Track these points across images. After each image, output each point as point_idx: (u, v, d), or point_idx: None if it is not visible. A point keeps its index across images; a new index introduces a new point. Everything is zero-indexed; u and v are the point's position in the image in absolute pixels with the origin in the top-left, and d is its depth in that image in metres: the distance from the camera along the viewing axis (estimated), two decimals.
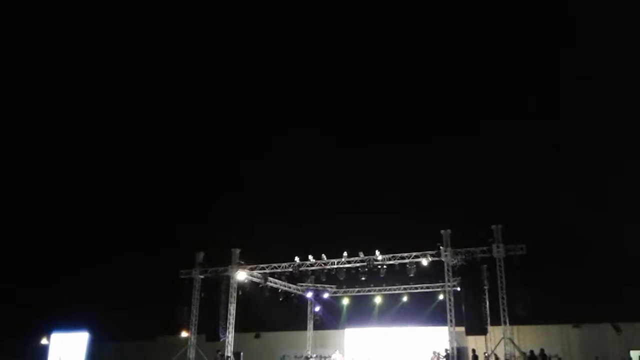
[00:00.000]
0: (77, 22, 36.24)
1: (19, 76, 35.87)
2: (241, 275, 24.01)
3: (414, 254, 21.82)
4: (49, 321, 31.30)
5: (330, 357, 26.90)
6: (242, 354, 25.04)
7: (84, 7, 34.93)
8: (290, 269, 23.55)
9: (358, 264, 22.62)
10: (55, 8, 34.03)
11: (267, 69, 38.65)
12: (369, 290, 28.61)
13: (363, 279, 23.31)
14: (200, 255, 24.91)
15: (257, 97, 38.64)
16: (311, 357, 26.99)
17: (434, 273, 22.65)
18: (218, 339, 23.66)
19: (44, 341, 31.47)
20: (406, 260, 21.93)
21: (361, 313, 29.85)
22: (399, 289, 27.63)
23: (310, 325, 29.37)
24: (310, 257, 23.15)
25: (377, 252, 22.21)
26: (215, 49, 39.07)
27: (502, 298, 20.11)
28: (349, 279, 23.83)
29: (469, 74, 35.25)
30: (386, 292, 28.28)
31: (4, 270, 34.33)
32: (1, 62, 34.14)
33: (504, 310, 20.11)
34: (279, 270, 23.98)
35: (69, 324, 29.56)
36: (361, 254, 22.47)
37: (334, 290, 29.25)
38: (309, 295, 29.02)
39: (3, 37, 33.52)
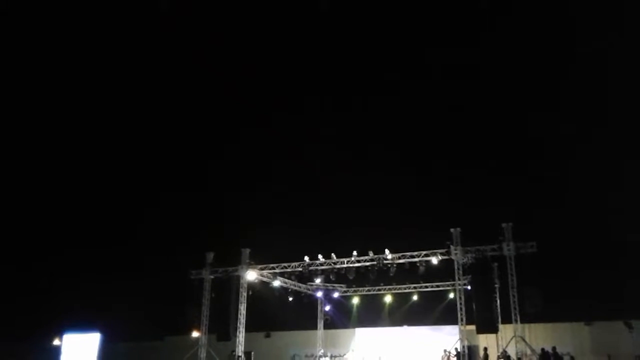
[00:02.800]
0: (91, 22, 36.45)
1: (22, 76, 36.11)
2: (251, 275, 24.08)
3: (424, 252, 21.79)
4: (61, 322, 31.54)
5: (343, 356, 26.93)
6: (252, 353, 25.12)
7: (93, 7, 35.10)
8: (300, 269, 23.59)
9: (368, 263, 22.61)
10: (56, 8, 34.19)
11: (282, 78, 38.76)
12: (379, 290, 28.59)
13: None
14: (210, 256, 25.00)
15: (272, 104, 38.81)
16: (323, 356, 26.98)
17: (444, 272, 22.58)
18: (229, 338, 23.71)
19: (56, 342, 31.76)
20: (416, 259, 21.92)
21: (371, 312, 29.88)
22: (409, 288, 27.58)
23: (320, 324, 29.42)
24: (319, 256, 23.18)
25: (387, 251, 22.21)
26: (235, 56, 39.29)
27: (513, 296, 20.03)
28: (358, 278, 23.84)
29: (477, 70, 35.16)
30: (396, 291, 28.25)
31: (16, 272, 34.62)
32: (1, 62, 34.35)
33: (514, 308, 20.01)
34: (288, 269, 24.04)
35: (81, 325, 29.75)
36: (371, 253, 22.46)
37: (344, 289, 29.27)
38: (319, 294, 29.07)
39: (3, 37, 33.72)
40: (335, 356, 27.29)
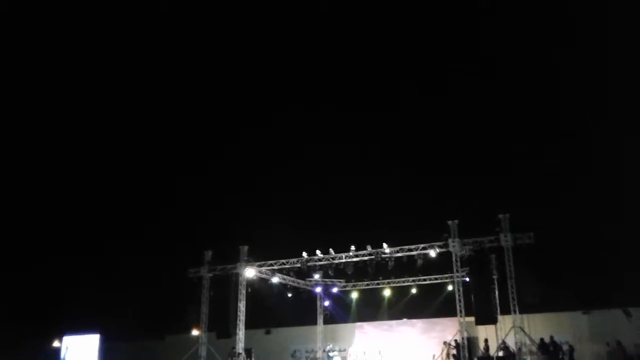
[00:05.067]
0: (91, 22, 36.32)
1: (24, 76, 35.96)
2: (250, 272, 24.04)
3: (422, 245, 21.79)
4: (61, 324, 31.50)
5: (345, 350, 26.99)
6: (253, 350, 25.13)
7: (92, 6, 34.93)
8: (298, 265, 23.58)
9: (366, 258, 22.62)
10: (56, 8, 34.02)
11: (280, 77, 38.68)
12: (378, 284, 28.62)
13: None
14: (209, 253, 24.96)
15: (271, 102, 38.79)
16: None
17: (442, 264, 22.62)
18: (229, 336, 23.73)
19: (56, 344, 31.70)
20: (414, 252, 21.91)
21: (370, 306, 29.93)
22: (408, 281, 27.61)
23: (320, 320, 29.45)
24: (317, 252, 23.18)
25: (385, 245, 22.19)
26: (240, 55, 39.23)
27: (511, 287, 20.07)
28: (357, 272, 23.80)
29: (475, 63, 35.25)
30: (395, 285, 28.30)
31: (15, 274, 34.53)
32: (1, 62, 34.16)
33: (513, 299, 20.06)
34: (287, 266, 24.03)
35: (80, 326, 29.71)
36: (369, 248, 22.45)
37: (343, 284, 29.28)
38: (318, 290, 29.08)
39: (3, 37, 33.52)
40: (342, 350, 27.32)
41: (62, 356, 28.72)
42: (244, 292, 24.10)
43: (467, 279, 21.77)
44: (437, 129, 35.95)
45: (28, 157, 37.98)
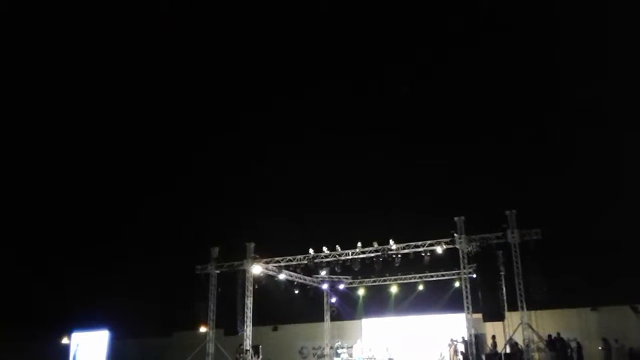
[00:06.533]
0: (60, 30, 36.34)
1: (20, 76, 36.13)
2: (256, 269, 24.12)
3: (429, 242, 21.75)
4: (70, 321, 31.74)
5: (352, 347, 27.03)
6: (260, 347, 25.22)
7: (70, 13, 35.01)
8: (305, 261, 23.63)
9: (372, 254, 22.62)
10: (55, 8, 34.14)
11: (279, 66, 38.63)
12: (385, 280, 28.59)
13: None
14: (215, 250, 25.03)
15: (271, 96, 38.76)
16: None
17: (449, 261, 22.53)
18: (236, 333, 23.81)
19: (64, 340, 31.95)
20: (421, 249, 21.90)
21: (377, 303, 29.92)
22: (415, 278, 27.57)
23: (327, 316, 29.49)
24: (324, 248, 23.21)
25: (392, 242, 22.18)
26: (226, 44, 39.17)
27: (519, 283, 19.97)
28: (364, 269, 23.85)
29: (479, 52, 35.08)
30: (402, 282, 28.25)
31: (24, 271, 34.79)
32: (1, 62, 34.34)
33: (520, 295, 19.98)
34: (293, 262, 24.06)
35: (89, 322, 29.92)
36: (375, 244, 22.46)
37: (350, 281, 29.31)
38: (325, 286, 29.12)
39: (3, 37, 33.69)
40: (349, 347, 27.33)
41: (72, 352, 28.97)
42: (251, 289, 24.19)
43: (474, 276, 21.68)
44: (443, 126, 35.89)
45: (34, 158, 38.26)
